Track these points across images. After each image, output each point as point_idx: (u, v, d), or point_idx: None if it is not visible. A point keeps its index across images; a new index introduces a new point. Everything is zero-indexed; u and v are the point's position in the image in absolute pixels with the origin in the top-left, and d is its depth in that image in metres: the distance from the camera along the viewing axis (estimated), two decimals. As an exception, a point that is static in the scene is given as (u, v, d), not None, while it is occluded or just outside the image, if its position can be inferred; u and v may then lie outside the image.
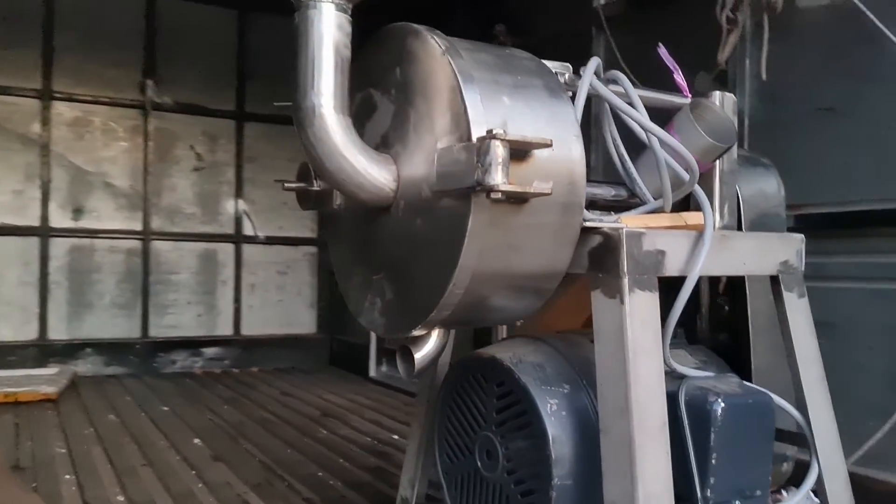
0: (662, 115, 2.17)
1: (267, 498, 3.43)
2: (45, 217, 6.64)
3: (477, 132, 1.58)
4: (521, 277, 1.77)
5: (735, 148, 2.18)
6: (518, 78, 1.75)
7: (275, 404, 5.71)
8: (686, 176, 1.93)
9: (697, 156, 2.02)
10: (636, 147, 2.10)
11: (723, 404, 1.80)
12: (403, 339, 1.89)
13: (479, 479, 2.01)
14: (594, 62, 1.94)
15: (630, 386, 1.67)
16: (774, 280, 2.04)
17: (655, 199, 2.03)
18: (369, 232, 1.93)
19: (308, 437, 4.67)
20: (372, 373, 6.92)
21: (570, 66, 1.97)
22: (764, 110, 3.48)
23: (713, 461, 1.80)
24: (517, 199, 1.61)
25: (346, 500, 3.46)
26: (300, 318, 7.82)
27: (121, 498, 3.41)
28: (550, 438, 1.81)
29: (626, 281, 1.71)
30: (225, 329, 7.44)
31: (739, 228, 2.20)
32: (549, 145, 1.56)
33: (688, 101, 2.15)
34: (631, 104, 1.92)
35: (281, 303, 7.71)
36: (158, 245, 7.10)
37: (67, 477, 3.70)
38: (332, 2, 1.73)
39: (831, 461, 1.99)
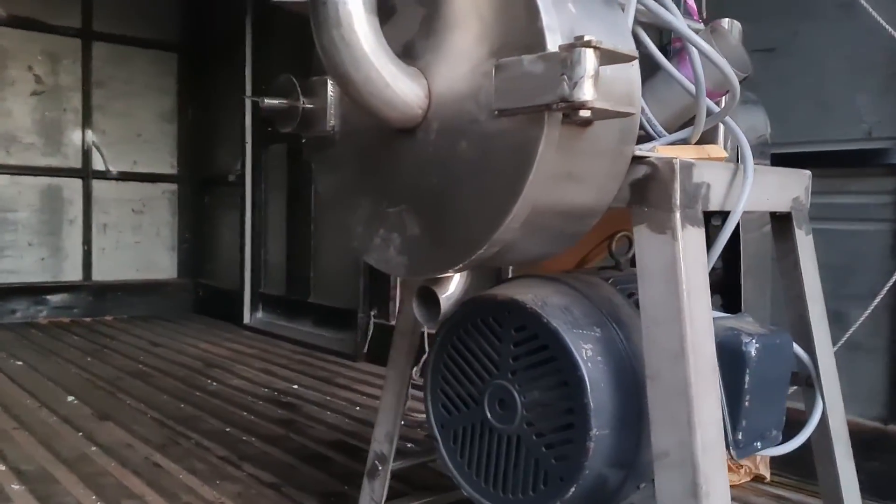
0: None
1: (179, 459, 3.09)
2: None
3: (552, 42, 1.36)
4: (572, 211, 1.58)
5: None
6: (574, -16, 1.53)
7: (146, 355, 5.23)
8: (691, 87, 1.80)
9: (713, 86, 1.92)
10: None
11: (757, 345, 1.73)
12: (429, 279, 1.65)
13: (489, 430, 1.84)
14: (636, -25, 1.75)
15: (686, 328, 1.55)
16: (786, 216, 1.99)
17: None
18: (383, 157, 1.66)
19: (197, 390, 4.29)
20: (247, 320, 6.52)
21: (605, -22, 1.77)
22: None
23: (746, 404, 1.73)
24: (584, 122, 1.42)
25: (267, 455, 3.19)
26: (159, 262, 7.22)
27: (2, 467, 2.93)
28: (588, 386, 1.66)
29: (678, 215, 1.58)
30: (73, 274, 6.72)
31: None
32: (636, 57, 1.37)
33: (701, 26, 2.02)
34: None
35: (137, 245, 7.06)
36: (-8, 178, 6.23)
37: (-77, 447, 3.15)
38: None
39: (833, 399, 2.00)
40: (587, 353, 1.69)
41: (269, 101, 1.80)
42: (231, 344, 5.72)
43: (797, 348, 1.99)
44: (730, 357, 1.74)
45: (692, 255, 1.59)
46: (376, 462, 2.22)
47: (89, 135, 6.68)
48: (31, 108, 6.40)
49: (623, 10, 1.66)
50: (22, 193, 6.40)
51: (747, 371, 1.73)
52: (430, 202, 1.58)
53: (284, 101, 1.80)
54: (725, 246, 2.17)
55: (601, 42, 1.29)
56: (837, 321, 2.87)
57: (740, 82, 1.97)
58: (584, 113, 1.30)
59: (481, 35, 1.46)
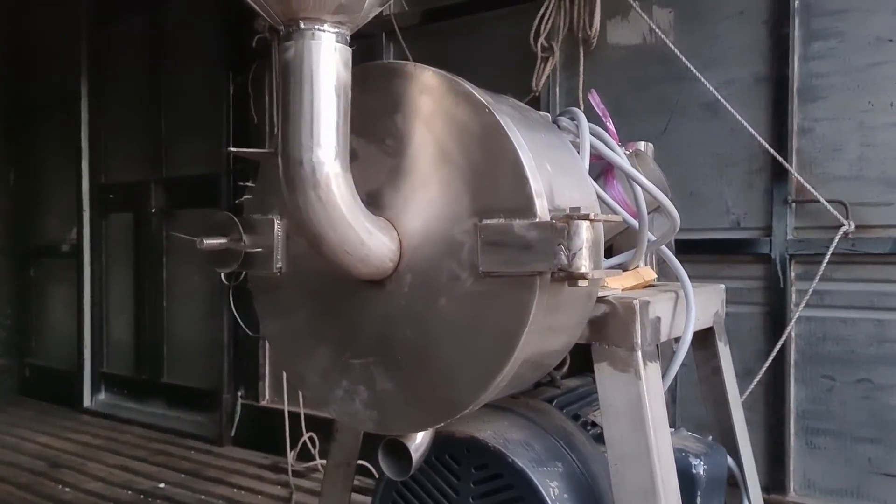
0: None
1: None
2: None
3: (540, 207, 1.36)
4: (546, 358, 1.59)
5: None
6: (542, 135, 1.56)
7: (-26, 458, 4.63)
8: (635, 222, 1.89)
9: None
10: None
11: (704, 466, 1.82)
12: (399, 434, 1.59)
13: (446, 573, 1.79)
14: (583, 117, 1.81)
15: (655, 464, 1.60)
16: (708, 331, 2.11)
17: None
18: (345, 306, 1.58)
19: (47, 499, 3.85)
20: (87, 402, 5.97)
21: (549, 116, 1.82)
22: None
23: (697, 522, 1.81)
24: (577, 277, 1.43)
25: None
26: (-23, 341, 6.45)
27: None
28: (559, 527, 1.66)
29: (639, 354, 1.63)
30: None
31: (653, 274, 2.24)
32: (620, 221, 1.41)
33: (622, 150, 2.12)
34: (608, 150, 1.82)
35: (-49, 323, 6.27)
36: None
37: None
38: (334, 31, 1.37)
39: (756, 498, 2.13)
40: (555, 492, 1.69)
41: (209, 242, 1.66)
42: (74, 434, 5.20)
43: (728, 459, 2.11)
44: (681, 478, 1.81)
45: (654, 392, 1.64)
46: None
47: None
48: None
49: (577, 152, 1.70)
50: None
51: (698, 492, 1.81)
52: (404, 357, 1.52)
53: (224, 241, 1.67)
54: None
55: (598, 214, 1.31)
56: (719, 397, 3.08)
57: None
58: (583, 283, 1.31)
59: (461, 193, 1.43)
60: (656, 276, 2.06)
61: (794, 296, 3.04)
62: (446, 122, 1.46)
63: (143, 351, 5.76)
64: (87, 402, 5.95)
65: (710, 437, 2.13)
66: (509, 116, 1.46)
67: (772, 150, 3.02)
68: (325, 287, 1.60)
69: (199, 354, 5.31)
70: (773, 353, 2.97)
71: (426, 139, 1.48)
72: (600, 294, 1.67)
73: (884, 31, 2.85)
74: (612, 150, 1.82)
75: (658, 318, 1.74)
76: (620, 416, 1.63)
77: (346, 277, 1.53)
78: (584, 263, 1.29)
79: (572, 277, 1.31)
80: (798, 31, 3.03)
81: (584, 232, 1.29)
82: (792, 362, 3.05)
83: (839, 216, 2.88)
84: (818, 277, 2.90)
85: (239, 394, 4.96)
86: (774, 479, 3.05)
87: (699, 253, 3.21)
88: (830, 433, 2.97)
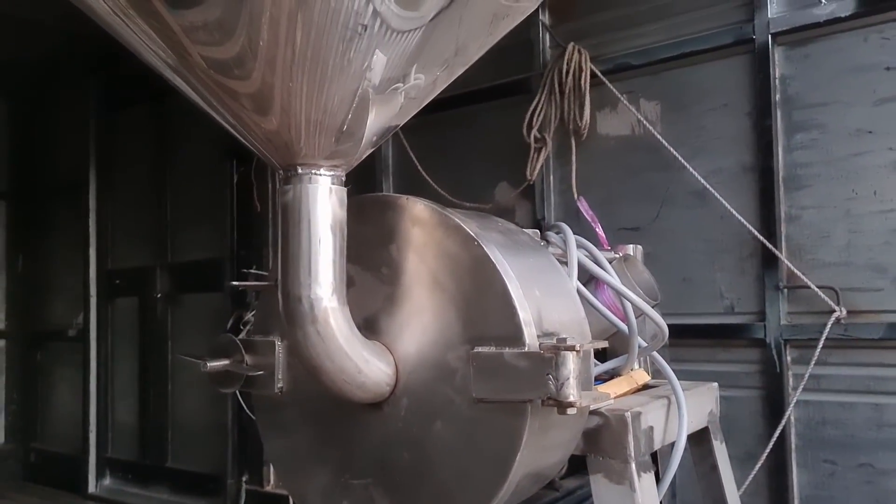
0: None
1: None
2: None
3: (529, 335, 1.43)
4: (543, 472, 1.63)
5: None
6: (530, 259, 1.63)
7: (-22, 552, 4.59)
8: (625, 328, 1.95)
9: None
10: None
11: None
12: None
13: None
14: (570, 231, 1.89)
15: (652, 578, 1.62)
16: (704, 430, 2.15)
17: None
18: (343, 428, 1.64)
19: None
20: (92, 488, 5.93)
21: (538, 232, 1.90)
22: (570, 225, 3.69)
23: None
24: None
25: None
26: (-17, 427, 6.45)
27: None
28: None
29: (633, 465, 1.67)
30: None
31: (647, 373, 2.29)
32: (606, 346, 1.47)
33: (613, 254, 2.19)
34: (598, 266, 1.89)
35: (-42, 410, 6.29)
36: None
37: None
38: (329, 174, 1.46)
39: None
40: None
41: (212, 364, 1.73)
42: (80, 525, 5.16)
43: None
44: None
45: (649, 502, 1.68)
46: None
47: None
48: None
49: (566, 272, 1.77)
50: None
51: None
52: (403, 479, 1.56)
53: (227, 363, 1.73)
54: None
55: (583, 345, 1.37)
56: (722, 482, 3.08)
57: (655, 305, 2.14)
58: (571, 410, 1.37)
59: (453, 321, 1.50)
60: (650, 377, 2.11)
61: (791, 380, 3.07)
62: (438, 254, 1.53)
63: (147, 435, 5.76)
64: (91, 487, 5.91)
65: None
66: (498, 245, 1.54)
67: (761, 237, 3.09)
68: (325, 408, 1.66)
69: (204, 439, 5.31)
70: (774, 438, 2.98)
71: (419, 269, 1.55)
72: (598, 406, 1.72)
73: (863, 123, 2.96)
74: (599, 264, 1.88)
75: (651, 428, 1.78)
76: (617, 529, 1.66)
77: (346, 401, 1.59)
78: (571, 392, 1.35)
79: (561, 406, 1.36)
80: (780, 123, 3.13)
81: (571, 362, 1.35)
82: (793, 447, 3.06)
83: (830, 302, 2.94)
84: (814, 362, 2.94)
85: (243, 479, 4.94)
86: (781, 566, 3.03)
87: (694, 337, 3.25)
88: (834, 519, 2.97)
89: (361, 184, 4.35)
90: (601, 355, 2.15)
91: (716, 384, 2.27)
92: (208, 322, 5.14)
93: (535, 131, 3.68)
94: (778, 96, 3.15)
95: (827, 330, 2.92)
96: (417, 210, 1.58)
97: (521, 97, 3.78)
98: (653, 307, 2.15)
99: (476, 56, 1.69)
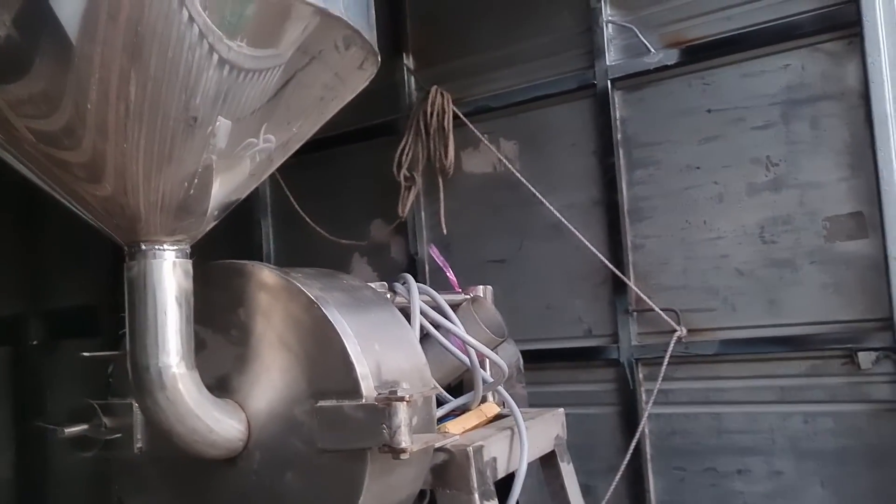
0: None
1: None
2: None
3: (366, 387, 1.57)
4: (389, 512, 1.77)
5: (491, 332, 2.46)
6: (372, 315, 1.78)
7: None
8: (491, 376, 2.14)
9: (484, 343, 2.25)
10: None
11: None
12: None
13: None
14: (413, 282, 2.05)
15: None
16: (550, 454, 2.34)
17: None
18: (201, 484, 1.73)
19: None
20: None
21: (386, 284, 2.05)
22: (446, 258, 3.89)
23: None
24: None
25: None
26: None
27: None
28: None
29: (476, 496, 1.84)
30: None
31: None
32: (435, 390, 1.63)
33: (464, 297, 2.36)
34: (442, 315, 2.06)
35: None
36: None
37: None
38: (174, 248, 1.57)
39: None
40: None
41: (70, 430, 1.78)
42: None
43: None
44: None
45: (490, 529, 1.84)
46: None
47: None
48: None
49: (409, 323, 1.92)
50: None
51: None
52: (259, 528, 1.67)
53: (86, 428, 1.79)
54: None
55: (413, 395, 1.52)
56: (587, 493, 3.31)
57: (502, 342, 2.33)
58: (404, 456, 1.51)
59: (299, 378, 1.63)
60: (499, 408, 2.28)
61: (643, 395, 3.34)
62: (283, 316, 1.66)
63: (25, 490, 5.55)
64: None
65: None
66: (339, 304, 1.68)
67: (610, 266, 3.36)
68: (183, 465, 1.74)
69: (87, 493, 5.18)
70: (630, 449, 3.24)
71: (266, 330, 1.67)
72: (444, 443, 1.88)
73: (692, 159, 3.27)
74: (442, 310, 2.05)
75: (494, 459, 1.95)
76: (463, 555, 1.82)
77: (199, 457, 1.68)
78: (403, 440, 1.50)
79: (394, 452, 1.50)
80: (622, 160, 3.42)
81: (402, 412, 1.50)
82: (648, 457, 3.33)
83: (672, 323, 3.23)
84: (661, 378, 3.21)
85: (131, 527, 4.85)
86: (643, 570, 3.28)
87: (557, 360, 3.49)
88: (687, 521, 3.25)
89: (240, 223, 4.44)
90: (456, 390, 2.32)
91: (561, 410, 2.48)
92: (86, 370, 5.03)
93: (404, 170, 3.85)
94: (619, 136, 3.44)
95: (670, 348, 3.20)
96: (263, 276, 1.70)
97: (391, 137, 3.94)
98: (499, 343, 2.35)
99: (313, 128, 1.82)
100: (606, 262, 3.38)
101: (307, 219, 4.17)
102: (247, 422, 1.67)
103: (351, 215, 4.14)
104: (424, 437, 1.60)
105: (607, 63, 3.44)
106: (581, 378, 3.50)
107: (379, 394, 1.55)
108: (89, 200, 1.51)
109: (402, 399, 1.50)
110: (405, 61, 4.01)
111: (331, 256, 4.10)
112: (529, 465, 2.43)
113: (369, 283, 1.96)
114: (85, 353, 1.78)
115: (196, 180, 1.53)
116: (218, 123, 1.47)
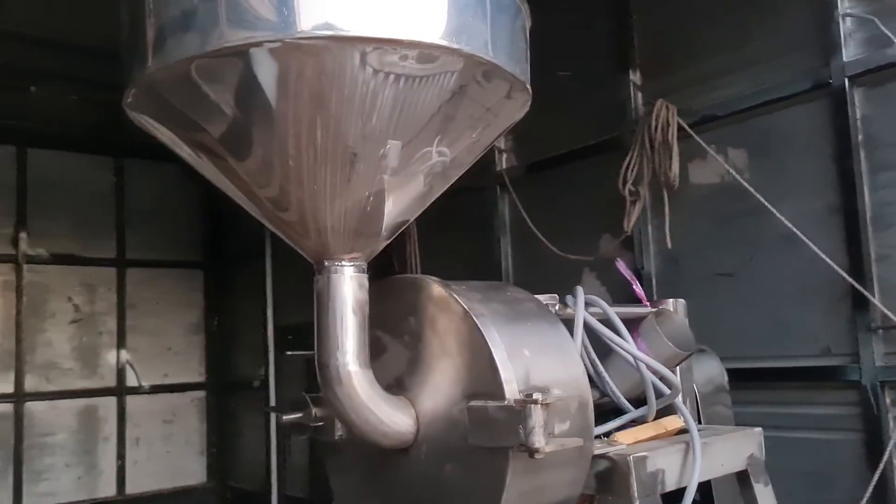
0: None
1: None
2: None
3: (509, 390, 1.71)
4: (545, 510, 1.88)
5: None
6: (529, 325, 1.91)
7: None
8: (666, 389, 2.15)
9: (663, 362, 2.25)
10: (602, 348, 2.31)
11: None
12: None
13: None
14: (581, 295, 2.14)
15: None
16: (743, 473, 2.26)
17: (626, 397, 2.23)
18: (382, 469, 1.98)
19: None
20: (275, 521, 6.65)
21: (557, 297, 2.16)
22: (668, 272, 3.86)
23: None
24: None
25: None
26: (189, 468, 7.43)
27: None
28: None
29: (637, 504, 1.87)
30: (107, 489, 6.93)
31: (698, 419, 2.44)
32: (575, 398, 1.72)
33: (649, 310, 2.38)
34: (615, 329, 2.12)
35: (168, 454, 7.31)
36: (32, 406, 6.60)
37: None
38: (353, 265, 1.84)
39: None
40: None
41: (287, 417, 2.14)
42: (260, 554, 5.84)
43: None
44: None
45: (653, 539, 1.87)
46: None
47: (123, 354, 7.11)
48: (70, 335, 6.87)
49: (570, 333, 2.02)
50: (60, 416, 6.74)
51: None
52: (426, 512, 1.88)
53: (300, 416, 2.14)
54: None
55: (548, 398, 1.63)
56: (826, 528, 3.07)
57: (689, 356, 2.32)
58: (539, 456, 1.63)
59: (456, 379, 1.82)
60: (682, 423, 2.26)
61: (891, 422, 3.01)
62: (444, 324, 1.86)
63: (317, 474, 6.39)
64: (274, 519, 6.64)
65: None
66: (495, 314, 1.84)
67: (850, 279, 3.09)
68: (370, 453, 2.01)
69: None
70: (874, 481, 2.93)
71: (432, 337, 1.89)
72: (606, 451, 1.95)
73: (945, 156, 2.91)
74: (612, 323, 2.11)
75: (661, 471, 1.97)
76: (624, 561, 1.87)
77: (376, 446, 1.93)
78: (537, 440, 1.61)
79: (530, 451, 1.63)
80: (864, 163, 3.13)
81: (537, 414, 1.62)
82: (897, 491, 2.99)
83: (925, 342, 2.88)
84: (909, 404, 2.89)
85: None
86: None
87: (789, 380, 3.28)
88: (945, 568, 2.86)
89: (483, 244, 4.75)
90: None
91: (759, 429, 2.37)
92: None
93: (629, 185, 3.88)
94: (860, 136, 3.15)
95: (920, 370, 2.86)
96: (430, 288, 1.91)
97: (618, 153, 3.98)
98: (686, 357, 2.33)
99: (479, 150, 2.00)
100: (845, 275, 3.11)
101: (540, 236, 4.35)
102: (416, 417, 1.89)
103: (581, 231, 4.25)
104: (563, 440, 1.70)
105: (844, 59, 3.18)
106: (817, 400, 3.25)
107: (518, 398, 1.68)
108: (282, 226, 1.85)
109: (536, 402, 1.62)
110: (631, 77, 4.03)
111: (562, 272, 4.24)
112: (730, 485, 2.38)
113: (538, 296, 2.09)
114: (288, 353, 2.13)
115: (370, 203, 1.80)
116: (389, 145, 1.71)
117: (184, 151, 1.86)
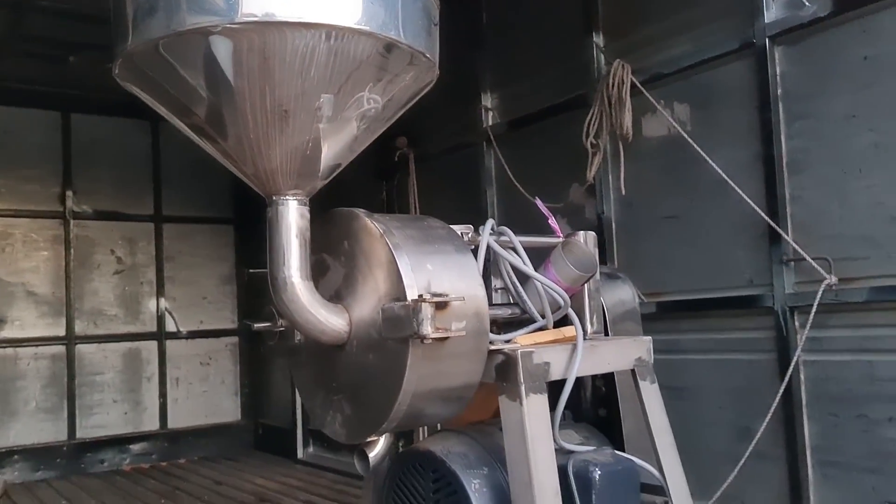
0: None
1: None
2: (-33, 331, 6.83)
3: (411, 294, 2.21)
4: (447, 392, 2.38)
5: (598, 270, 2.89)
6: (436, 246, 2.40)
7: (210, 494, 6.06)
8: (560, 301, 2.62)
9: (569, 283, 2.72)
10: (523, 277, 2.78)
11: (600, 472, 2.46)
12: (360, 443, 2.46)
13: (422, 547, 2.59)
14: (489, 224, 2.62)
15: (531, 466, 2.31)
16: (633, 372, 2.73)
17: (542, 315, 2.71)
18: (328, 363, 2.51)
19: (248, 522, 5.08)
20: (299, 454, 7.32)
21: (472, 227, 2.64)
22: (625, 216, 4.29)
23: (596, 513, 2.45)
24: (441, 339, 2.24)
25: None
26: (224, 407, 8.14)
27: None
28: (476, 509, 2.42)
29: (523, 388, 2.36)
30: (151, 424, 7.68)
31: (606, 331, 2.91)
32: (462, 300, 2.21)
33: (555, 239, 2.84)
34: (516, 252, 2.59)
35: (205, 393, 8.03)
36: (83, 348, 7.34)
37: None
38: (296, 199, 2.35)
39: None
40: (475, 486, 2.46)
41: (258, 325, 2.68)
42: (283, 478, 6.52)
43: (651, 469, 2.70)
44: (582, 481, 2.48)
45: (535, 415, 2.37)
46: (357, 575, 2.96)
47: (162, 302, 7.82)
48: (114, 284, 7.59)
49: (475, 255, 2.50)
50: (107, 358, 7.50)
51: (593, 490, 2.46)
52: (356, 393, 2.41)
53: (267, 325, 2.67)
54: (609, 392, 2.96)
55: (431, 297, 2.13)
56: (746, 435, 3.53)
57: (590, 277, 2.78)
58: (427, 341, 2.13)
59: (375, 289, 2.32)
60: (581, 333, 2.72)
61: (799, 343, 3.42)
62: (367, 246, 2.36)
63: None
64: (299, 453, 7.31)
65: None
66: (405, 238, 2.33)
67: (766, 217, 3.49)
68: (319, 351, 2.54)
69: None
70: (779, 394, 3.37)
71: (359, 257, 2.39)
72: (501, 347, 2.45)
73: (849, 109, 3.26)
74: (515, 248, 2.58)
75: (547, 363, 2.46)
76: (512, 432, 2.38)
77: (327, 346, 2.46)
78: (425, 330, 2.11)
79: (421, 339, 2.13)
80: (782, 115, 3.51)
81: (425, 309, 2.12)
82: (804, 402, 3.42)
83: (822, 271, 3.28)
84: (808, 325, 3.29)
85: (399, 443, 5.97)
86: (796, 509, 3.40)
87: (719, 308, 3.72)
88: (839, 465, 3.28)
89: (470, 193, 5.22)
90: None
91: (648, 338, 2.81)
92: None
93: (591, 138, 4.30)
94: (779, 91, 3.53)
95: (818, 296, 3.27)
96: (359, 218, 2.41)
97: (583, 110, 4.39)
98: (590, 277, 2.79)
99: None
100: (762, 213, 3.51)
101: (518, 186, 4.80)
102: (349, 320, 2.40)
103: (553, 181, 4.69)
104: (450, 333, 2.19)
105: (765, 21, 3.54)
106: (741, 326, 3.68)
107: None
108: (240, 170, 2.37)
109: (425, 300, 2.12)
110: (595, 39, 4.42)
111: (539, 217, 4.68)
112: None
113: (454, 226, 2.57)
114: (250, 270, 2.66)
115: (309, 148, 2.29)
116: (322, 99, 2.19)
117: (162, 111, 2.38)
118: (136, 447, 7.52)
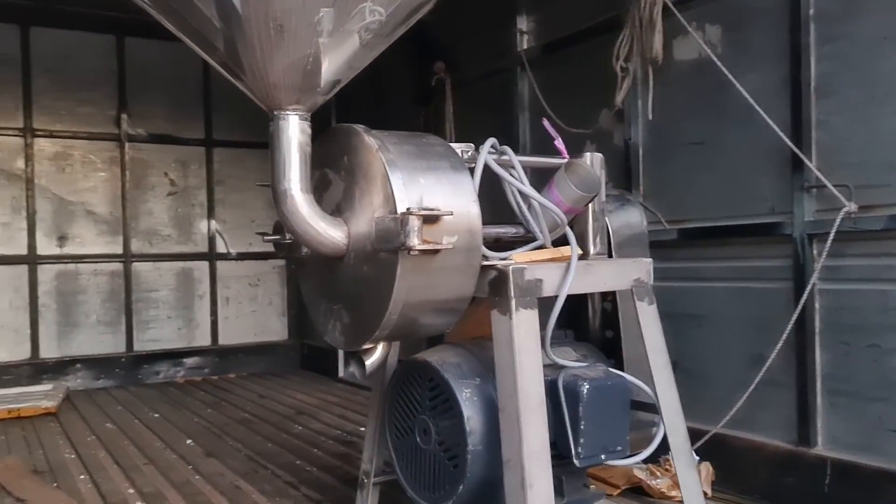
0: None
1: (255, 483, 4.11)
2: (32, 246, 7.22)
3: (401, 207, 2.28)
4: (438, 303, 2.47)
5: (603, 192, 2.90)
6: (431, 162, 2.45)
7: (253, 406, 6.38)
8: (558, 220, 2.66)
9: (571, 203, 2.75)
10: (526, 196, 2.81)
11: (587, 386, 2.54)
12: (357, 350, 2.59)
13: (419, 451, 2.72)
14: (489, 142, 2.65)
15: (517, 376, 2.39)
16: (631, 292, 2.77)
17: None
18: (329, 274, 2.62)
19: (284, 432, 5.35)
20: (340, 373, 7.60)
21: (473, 145, 2.68)
22: (652, 142, 4.24)
23: (582, 426, 2.53)
24: (431, 252, 2.31)
25: (320, 480, 4.16)
26: (272, 326, 8.47)
27: (132, 490, 4.07)
28: (465, 417, 2.53)
29: (513, 302, 2.43)
30: (203, 340, 8.06)
31: (609, 253, 2.94)
32: (450, 214, 2.28)
33: (559, 160, 2.85)
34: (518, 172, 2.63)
35: (254, 313, 8.35)
36: (138, 266, 7.70)
37: (82, 476, 4.34)
38: (297, 114, 2.42)
39: (674, 423, 2.73)
40: (467, 395, 2.56)
41: (268, 238, 2.80)
42: (322, 394, 6.80)
43: (643, 386, 2.75)
44: (570, 395, 2.56)
45: (524, 328, 2.44)
46: (363, 477, 3.14)
47: (213, 224, 8.09)
48: (167, 206, 7.88)
49: (472, 173, 2.54)
50: (162, 276, 7.85)
51: (581, 403, 2.53)
52: (353, 302, 2.52)
53: (278, 237, 2.79)
54: (613, 318, 3.01)
55: (419, 210, 2.20)
56: (760, 361, 3.54)
57: (593, 197, 2.80)
58: (414, 252, 2.21)
59: (370, 203, 2.40)
60: (577, 251, 2.75)
61: (816, 271, 3.38)
62: (364, 161, 2.43)
63: (377, 332, 7.23)
64: (340, 372, 7.59)
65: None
66: (401, 153, 2.40)
67: (789, 142, 3.41)
68: (322, 263, 2.65)
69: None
70: (792, 321, 3.36)
71: (357, 171, 2.47)
72: (494, 263, 2.51)
73: (882, 30, 3.13)
74: (515, 167, 2.61)
75: (539, 280, 2.51)
76: (501, 344, 2.46)
77: (328, 258, 2.56)
78: (411, 241, 2.19)
79: (408, 250, 2.21)
80: (814, 36, 3.38)
81: (412, 221, 2.19)
82: (817, 330, 3.39)
83: (843, 199, 3.20)
84: (825, 253, 3.25)
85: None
86: (803, 434, 3.41)
87: (741, 236, 3.68)
88: (848, 393, 3.27)
89: (505, 119, 5.21)
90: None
91: (648, 259, 2.83)
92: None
93: (620, 62, 4.23)
94: (811, 11, 3.39)
95: (836, 224, 3.20)
96: (358, 134, 2.47)
97: (615, 33, 4.30)
98: (592, 197, 2.80)
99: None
100: (785, 138, 3.43)
101: (549, 111, 4.76)
102: (348, 233, 2.49)
103: (584, 106, 4.63)
104: (437, 245, 2.26)
105: (801, -63, 3.39)
106: (761, 254, 3.64)
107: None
108: (246, 85, 2.44)
109: (413, 214, 2.19)
110: (630, -43, 4.29)
111: (569, 143, 4.66)
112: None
113: (454, 144, 2.61)
114: (258, 184, 2.76)
115: (309, 63, 2.35)
116: (321, 13, 2.24)
117: (177, 33, 2.46)
118: (189, 361, 7.92)
